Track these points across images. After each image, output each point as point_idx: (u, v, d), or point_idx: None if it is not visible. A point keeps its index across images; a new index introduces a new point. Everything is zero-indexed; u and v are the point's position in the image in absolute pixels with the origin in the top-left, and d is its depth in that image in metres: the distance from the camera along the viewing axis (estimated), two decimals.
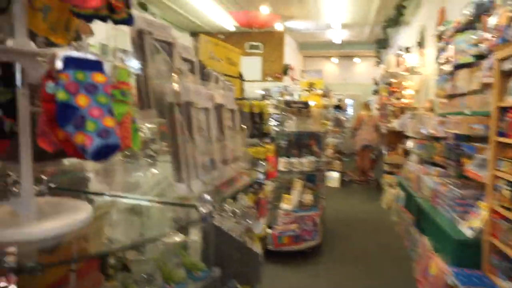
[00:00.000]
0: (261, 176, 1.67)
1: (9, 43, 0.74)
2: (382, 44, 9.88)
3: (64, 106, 0.64)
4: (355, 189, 7.75)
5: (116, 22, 0.88)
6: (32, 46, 0.74)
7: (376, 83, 9.23)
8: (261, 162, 1.72)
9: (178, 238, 1.54)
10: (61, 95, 0.64)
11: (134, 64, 1.07)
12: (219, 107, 1.29)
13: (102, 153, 0.66)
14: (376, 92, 9.34)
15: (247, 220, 1.83)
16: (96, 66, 0.68)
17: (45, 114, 0.66)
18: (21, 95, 0.77)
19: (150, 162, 1.78)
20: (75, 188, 1.34)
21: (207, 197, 0.99)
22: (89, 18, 0.84)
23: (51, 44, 1.02)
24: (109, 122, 0.67)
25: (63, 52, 0.65)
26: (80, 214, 0.83)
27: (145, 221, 1.18)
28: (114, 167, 1.52)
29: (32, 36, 0.99)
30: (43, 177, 1.15)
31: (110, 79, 0.83)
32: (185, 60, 1.37)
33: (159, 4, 8.05)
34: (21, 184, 0.78)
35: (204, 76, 1.48)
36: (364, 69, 13.74)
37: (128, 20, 0.89)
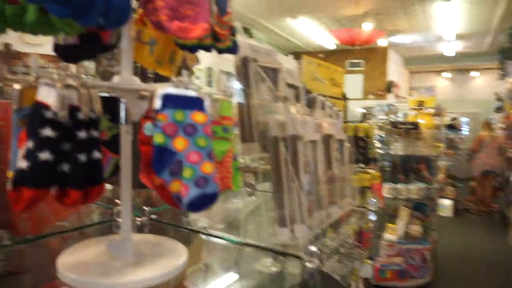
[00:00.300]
0: (372, 217, 1.46)
1: (115, 79, 0.71)
2: (508, 54, 8.59)
3: (160, 151, 0.58)
4: (473, 221, 6.74)
5: (221, 51, 0.82)
6: (136, 83, 0.70)
7: (500, 99, 8.01)
8: (373, 199, 1.51)
9: (274, 268, 1.43)
10: (158, 138, 0.57)
11: (237, 86, 1.01)
12: (327, 138, 1.14)
13: (199, 204, 0.58)
14: (499, 109, 8.10)
15: (352, 260, 1.62)
16: (196, 104, 0.61)
17: (143, 158, 0.61)
18: (124, 132, 0.74)
19: (249, 191, 1.71)
20: (176, 215, 1.32)
21: (314, 249, 0.85)
22: (193, 49, 0.79)
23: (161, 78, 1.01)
24: (207, 168, 0.59)
25: (161, 90, 0.59)
26: (178, 259, 0.76)
27: (242, 248, 1.10)
28: None
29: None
30: (145, 208, 1.14)
31: (212, 115, 0.76)
32: (290, 85, 1.27)
33: (259, 27, 8.32)
34: (121, 225, 0.75)
35: (309, 102, 1.36)
36: (484, 84, 12.15)
37: (232, 48, 0.82)
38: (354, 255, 1.67)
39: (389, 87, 10.22)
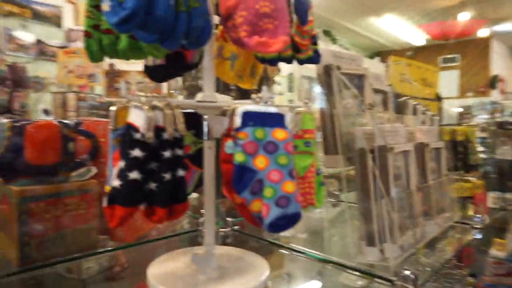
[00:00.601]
0: (478, 235, 1.29)
1: (198, 96, 0.73)
2: None
3: (241, 169, 0.57)
4: None
5: (302, 61, 0.79)
6: (217, 100, 0.71)
7: None
8: (478, 215, 1.34)
9: (360, 282, 1.34)
10: (239, 157, 0.57)
11: (319, 92, 0.97)
12: (420, 147, 1.04)
13: (280, 225, 0.55)
14: None
15: (452, 282, 1.45)
16: (277, 120, 0.59)
17: (225, 176, 0.60)
18: (207, 147, 0.75)
19: (333, 201, 1.65)
20: None
21: (408, 273, 0.77)
22: (273, 62, 0.78)
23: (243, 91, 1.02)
24: (289, 187, 0.56)
25: (241, 107, 0.58)
26: (261, 275, 0.74)
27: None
28: None
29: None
30: (228, 219, 1.16)
31: (294, 129, 0.73)
32: (377, 91, 1.18)
33: (340, 29, 8.07)
34: (204, 237, 0.76)
35: (399, 107, 1.25)
36: None
37: (314, 58, 0.79)
38: (455, 276, 1.49)
39: (494, 82, 9.10)
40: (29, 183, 0.79)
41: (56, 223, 0.83)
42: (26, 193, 0.78)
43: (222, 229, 1.12)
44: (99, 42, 0.67)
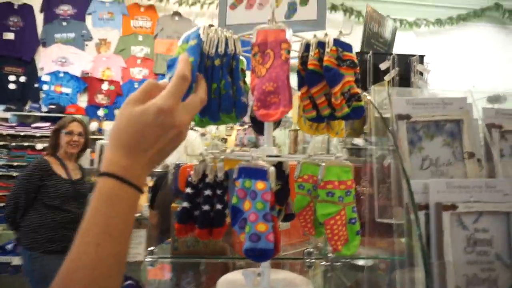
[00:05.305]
0: None
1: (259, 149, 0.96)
2: None
3: (235, 209, 0.77)
4: None
5: (343, 118, 0.88)
6: (271, 152, 0.91)
7: None
8: None
9: None
10: (234, 199, 0.77)
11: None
12: None
13: (251, 255, 0.71)
14: None
15: None
16: (261, 174, 0.75)
17: None
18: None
19: None
20: None
21: None
22: (317, 120, 0.91)
23: None
24: (261, 227, 0.71)
25: (239, 163, 0.79)
26: None
27: None
28: None
29: None
30: (330, 255, 1.25)
31: (318, 180, 0.84)
32: None
33: None
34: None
35: None
36: None
37: (351, 115, 0.85)
38: None
39: None
40: (181, 202, 1.25)
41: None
42: (175, 208, 1.24)
43: (323, 263, 1.22)
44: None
